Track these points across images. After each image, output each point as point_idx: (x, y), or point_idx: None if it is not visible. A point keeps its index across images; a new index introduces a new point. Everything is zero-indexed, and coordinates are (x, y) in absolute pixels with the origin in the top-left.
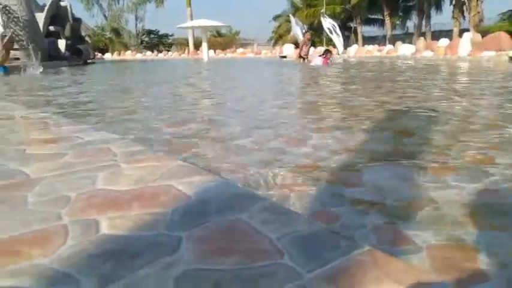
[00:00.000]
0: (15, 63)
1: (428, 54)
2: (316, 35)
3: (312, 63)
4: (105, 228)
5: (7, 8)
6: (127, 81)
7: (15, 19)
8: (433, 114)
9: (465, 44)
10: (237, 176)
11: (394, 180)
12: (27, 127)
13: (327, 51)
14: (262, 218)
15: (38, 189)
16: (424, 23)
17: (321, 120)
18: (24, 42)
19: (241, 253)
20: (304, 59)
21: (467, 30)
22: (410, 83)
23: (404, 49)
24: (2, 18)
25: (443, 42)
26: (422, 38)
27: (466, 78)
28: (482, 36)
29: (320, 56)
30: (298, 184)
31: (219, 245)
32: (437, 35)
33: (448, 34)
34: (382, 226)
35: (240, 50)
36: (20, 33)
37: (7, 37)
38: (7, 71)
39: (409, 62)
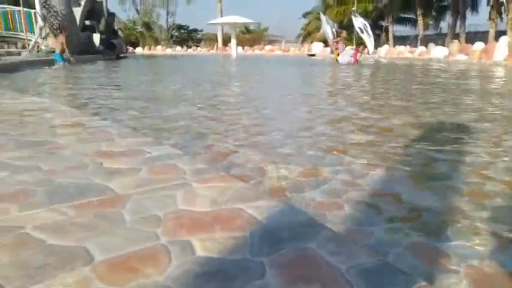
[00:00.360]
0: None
1: (461, 57)
2: (346, 33)
3: (340, 60)
4: (199, 249)
5: (47, 2)
6: (170, 82)
7: (54, 13)
8: None
9: (501, 48)
10: None
11: None
12: (93, 136)
13: (360, 45)
14: (329, 249)
15: (129, 207)
16: (458, 23)
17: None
18: None
19: (319, 282)
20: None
21: (504, 32)
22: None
23: (437, 52)
24: (41, 11)
25: (478, 45)
26: (456, 41)
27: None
28: None
29: (352, 48)
30: None
31: (297, 273)
32: (471, 37)
33: (483, 36)
34: None
35: (268, 47)
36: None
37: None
38: (65, 61)
39: (443, 64)
